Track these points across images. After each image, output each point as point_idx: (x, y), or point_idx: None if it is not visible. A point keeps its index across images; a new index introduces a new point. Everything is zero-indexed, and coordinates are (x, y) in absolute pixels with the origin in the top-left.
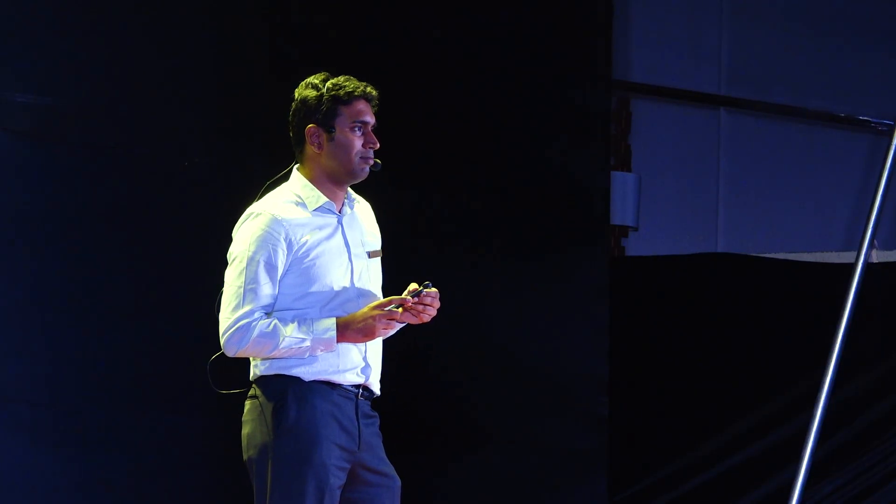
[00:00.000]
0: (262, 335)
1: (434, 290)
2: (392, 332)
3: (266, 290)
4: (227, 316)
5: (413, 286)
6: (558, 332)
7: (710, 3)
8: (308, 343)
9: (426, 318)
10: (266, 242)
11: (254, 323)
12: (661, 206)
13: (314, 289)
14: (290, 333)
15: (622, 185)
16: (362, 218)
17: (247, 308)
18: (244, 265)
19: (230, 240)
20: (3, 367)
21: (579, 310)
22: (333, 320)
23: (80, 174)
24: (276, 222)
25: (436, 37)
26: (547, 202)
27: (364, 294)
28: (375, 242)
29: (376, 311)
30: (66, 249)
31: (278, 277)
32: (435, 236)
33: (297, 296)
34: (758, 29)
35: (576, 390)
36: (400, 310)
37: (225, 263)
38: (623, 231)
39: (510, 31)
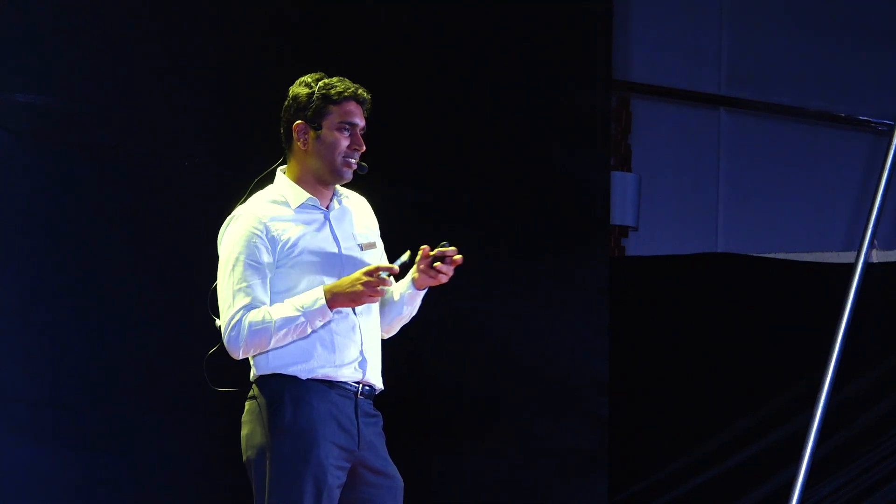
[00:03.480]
0: (254, 325)
1: (452, 248)
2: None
3: (256, 287)
4: (224, 319)
5: (423, 249)
6: (558, 332)
7: (709, 4)
8: (303, 318)
9: (443, 279)
10: (249, 241)
11: (243, 318)
12: (661, 206)
13: (305, 284)
14: (281, 315)
15: (622, 185)
16: (354, 211)
17: (238, 307)
18: (231, 266)
19: None
20: (4, 367)
21: (579, 310)
22: (320, 288)
23: (80, 174)
24: (257, 221)
25: (436, 37)
26: (547, 202)
27: None
28: (369, 234)
29: (364, 277)
30: (67, 249)
31: (267, 274)
32: (435, 236)
33: (288, 294)
34: (758, 29)
35: (576, 390)
36: (389, 277)
37: None
38: (623, 231)
39: (510, 32)
